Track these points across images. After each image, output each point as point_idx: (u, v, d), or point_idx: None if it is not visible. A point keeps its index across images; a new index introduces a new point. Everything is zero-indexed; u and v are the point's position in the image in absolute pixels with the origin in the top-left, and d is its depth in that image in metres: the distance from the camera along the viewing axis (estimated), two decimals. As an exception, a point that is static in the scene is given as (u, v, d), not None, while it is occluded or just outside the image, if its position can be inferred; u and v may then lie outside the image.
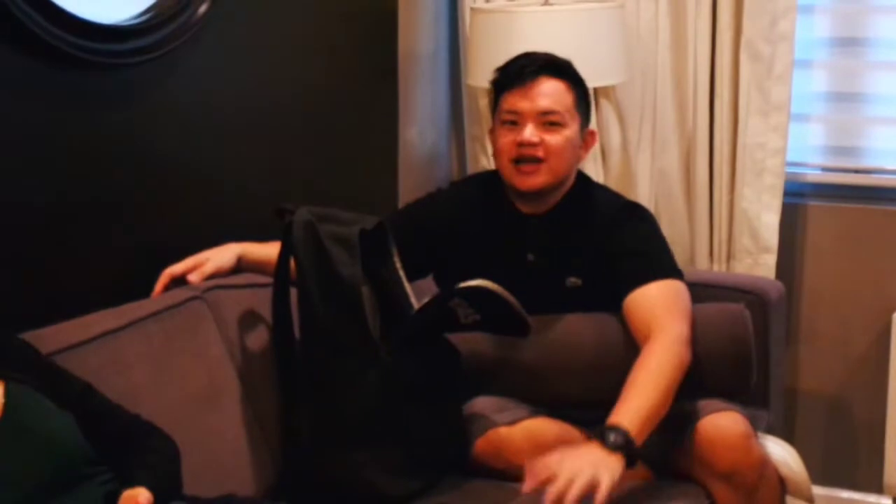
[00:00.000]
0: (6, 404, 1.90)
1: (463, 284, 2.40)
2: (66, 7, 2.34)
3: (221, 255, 2.60)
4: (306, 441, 2.50)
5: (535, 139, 2.63)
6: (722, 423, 2.49)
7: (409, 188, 3.47)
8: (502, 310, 2.41)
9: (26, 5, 2.26)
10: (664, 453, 2.49)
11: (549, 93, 2.68)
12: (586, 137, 2.75)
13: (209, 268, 2.56)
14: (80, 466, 1.91)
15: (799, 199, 3.41)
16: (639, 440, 2.30)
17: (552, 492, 2.18)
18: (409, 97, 3.53)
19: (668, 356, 2.44)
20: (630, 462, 2.26)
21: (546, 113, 2.66)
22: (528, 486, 2.23)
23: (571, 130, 2.69)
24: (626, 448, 2.26)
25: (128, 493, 1.85)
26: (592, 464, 2.24)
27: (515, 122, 2.67)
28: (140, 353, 2.34)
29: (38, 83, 2.36)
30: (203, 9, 2.68)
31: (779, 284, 3.08)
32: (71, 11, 2.35)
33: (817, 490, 2.83)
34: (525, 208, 2.74)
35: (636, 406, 2.36)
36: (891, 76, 3.37)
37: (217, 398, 2.47)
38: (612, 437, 2.27)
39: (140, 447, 2.04)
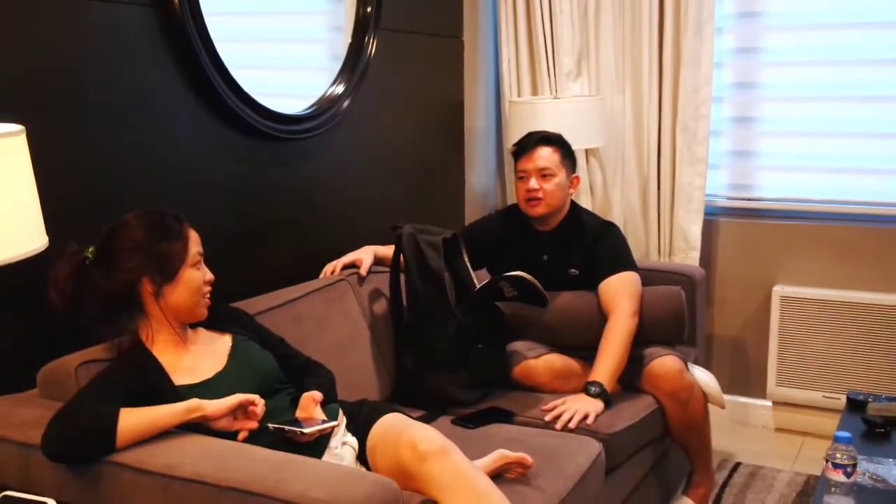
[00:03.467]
0: (233, 346, 2.02)
1: (507, 273, 2.59)
2: (265, 104, 2.54)
3: (369, 254, 2.76)
4: (410, 368, 2.66)
5: (536, 187, 2.78)
6: (666, 363, 2.66)
7: (472, 213, 3.69)
8: (531, 289, 2.60)
9: (242, 104, 2.46)
10: (630, 379, 2.67)
11: (544, 156, 2.80)
12: (572, 180, 2.87)
13: (367, 264, 2.71)
14: (274, 383, 2.03)
15: (713, 217, 3.66)
16: (610, 388, 2.53)
17: (563, 419, 2.42)
18: (471, 157, 3.79)
19: (623, 327, 2.61)
20: (606, 403, 2.49)
21: (542, 169, 2.78)
22: (548, 417, 2.45)
23: (560, 178, 2.80)
24: (602, 395, 2.49)
25: (306, 394, 1.97)
26: (584, 404, 2.46)
27: (524, 177, 2.80)
28: (309, 313, 2.48)
29: (247, 151, 2.56)
30: (346, 104, 2.88)
31: (702, 270, 3.27)
32: (268, 107, 2.56)
33: (727, 397, 3.06)
34: (539, 227, 2.87)
35: (605, 365, 2.56)
36: (769, 141, 3.57)
37: (356, 342, 2.61)
38: (592, 389, 2.51)
39: (311, 373, 2.15)
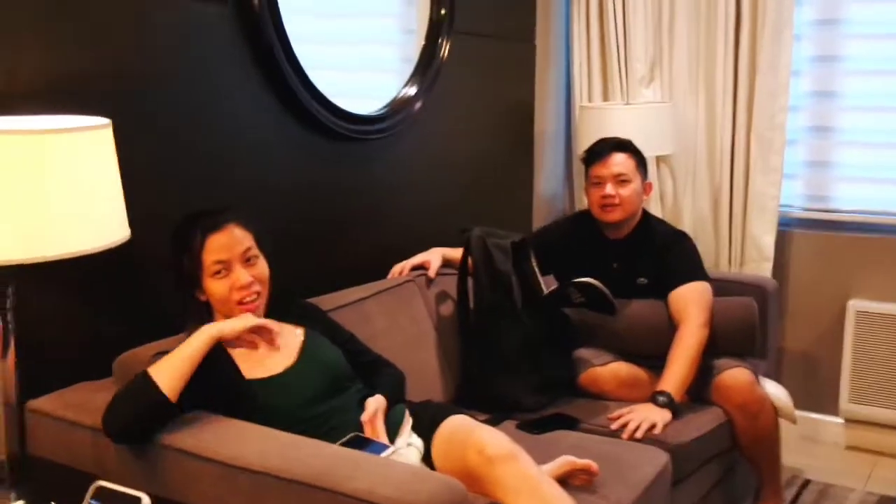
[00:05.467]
0: (305, 340, 2.03)
1: (576, 280, 2.57)
2: (340, 105, 2.57)
3: (437, 256, 2.77)
4: (476, 370, 2.65)
5: (613, 193, 2.74)
6: (737, 375, 2.60)
7: (539, 218, 3.67)
8: (599, 297, 2.57)
9: (319, 105, 2.50)
10: (699, 390, 2.62)
11: (619, 162, 2.78)
12: (645, 187, 2.86)
13: (435, 266, 2.73)
14: (344, 381, 2.03)
15: (787, 227, 3.58)
16: (678, 398, 2.49)
17: (629, 427, 2.39)
18: (540, 161, 3.75)
19: (694, 338, 2.56)
20: (674, 413, 2.45)
21: (618, 175, 2.75)
22: (615, 425, 2.43)
23: (636, 184, 2.77)
24: (670, 405, 2.46)
25: (371, 399, 1.98)
26: (651, 413, 2.44)
27: (599, 183, 2.76)
28: (378, 313, 2.50)
29: (321, 150, 2.58)
30: (417, 106, 2.89)
31: (774, 281, 3.19)
32: (343, 108, 2.58)
33: (798, 413, 2.96)
34: (610, 235, 2.84)
35: (674, 375, 2.52)
36: (848, 151, 3.47)
37: (422, 342, 2.62)
38: (661, 399, 2.48)
39: (381, 372, 2.16)
